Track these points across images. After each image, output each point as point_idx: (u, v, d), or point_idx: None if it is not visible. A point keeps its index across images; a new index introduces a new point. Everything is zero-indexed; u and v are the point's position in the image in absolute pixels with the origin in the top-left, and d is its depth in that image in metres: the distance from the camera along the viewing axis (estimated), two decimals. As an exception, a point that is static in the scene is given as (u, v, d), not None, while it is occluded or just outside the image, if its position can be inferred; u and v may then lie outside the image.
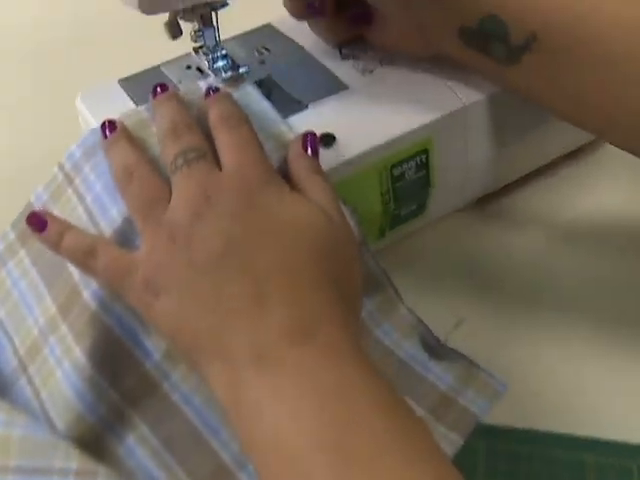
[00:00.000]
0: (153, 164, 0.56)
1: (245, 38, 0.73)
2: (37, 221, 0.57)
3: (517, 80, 0.62)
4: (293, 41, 0.74)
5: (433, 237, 0.74)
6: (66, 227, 0.55)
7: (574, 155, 0.78)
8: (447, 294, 0.68)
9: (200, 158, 0.53)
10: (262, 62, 0.71)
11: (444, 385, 0.60)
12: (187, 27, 0.66)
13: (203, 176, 0.52)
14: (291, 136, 0.61)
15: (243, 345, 0.46)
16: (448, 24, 0.62)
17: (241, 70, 0.66)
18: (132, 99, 0.69)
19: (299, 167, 0.56)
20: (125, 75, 0.69)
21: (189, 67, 0.70)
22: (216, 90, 0.61)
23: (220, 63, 0.66)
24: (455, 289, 0.68)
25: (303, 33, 0.74)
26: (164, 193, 0.52)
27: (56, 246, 0.54)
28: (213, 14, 0.63)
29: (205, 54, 0.66)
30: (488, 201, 0.76)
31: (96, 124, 0.61)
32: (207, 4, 0.60)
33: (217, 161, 0.53)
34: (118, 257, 0.52)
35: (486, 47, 0.61)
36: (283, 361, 0.45)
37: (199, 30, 0.64)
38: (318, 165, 0.56)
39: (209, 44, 0.65)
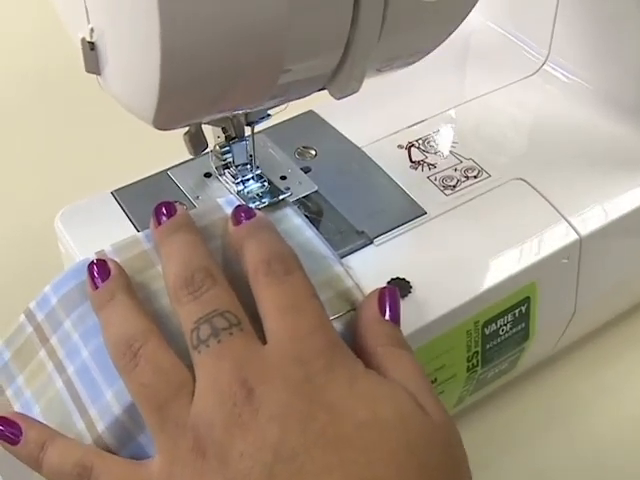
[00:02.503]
0: (163, 329, 0.40)
1: (280, 132, 0.55)
2: (4, 424, 0.41)
3: None
4: (344, 138, 0.55)
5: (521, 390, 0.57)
6: (49, 435, 0.40)
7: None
8: None
9: (234, 327, 0.38)
10: (306, 170, 0.52)
11: None
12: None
13: (240, 356, 0.37)
14: (349, 283, 0.46)
15: None
16: None
17: (282, 196, 0.49)
18: (130, 220, 0.51)
19: (375, 337, 0.41)
20: (119, 185, 0.53)
21: (208, 175, 0.51)
22: (249, 213, 0.43)
23: (253, 186, 0.48)
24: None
25: (357, 125, 0.55)
26: (185, 379, 0.38)
27: (36, 462, 0.40)
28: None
29: (233, 175, 0.47)
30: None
31: (80, 256, 0.46)
32: (243, 115, 0.42)
33: (256, 325, 0.39)
34: (123, 476, 0.38)
35: None
36: None
37: (226, 145, 0.46)
38: (401, 335, 0.42)
39: (239, 162, 0.46)
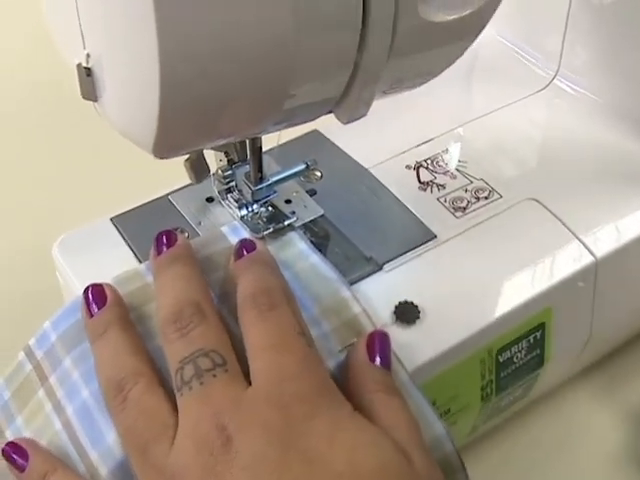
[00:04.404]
0: (161, 366, 0.39)
1: (284, 153, 0.52)
2: (15, 450, 0.40)
3: None
4: (350, 158, 0.53)
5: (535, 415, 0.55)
6: (51, 465, 0.39)
7: None
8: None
9: (218, 368, 0.37)
10: (312, 193, 0.50)
11: None
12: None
13: (222, 401, 0.36)
14: (357, 309, 0.44)
15: None
16: None
17: (287, 222, 0.47)
18: (131, 247, 0.49)
19: (364, 383, 0.39)
20: (119, 211, 0.51)
21: (210, 199, 0.50)
22: (250, 247, 0.43)
23: (257, 211, 0.46)
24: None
25: (363, 145, 0.54)
26: (168, 423, 0.37)
27: None
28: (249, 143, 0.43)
29: (236, 200, 0.46)
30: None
31: (79, 287, 0.43)
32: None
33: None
34: None
35: None
36: None
37: (229, 168, 0.44)
38: (391, 380, 0.40)
39: (242, 187, 0.45)
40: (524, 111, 0.58)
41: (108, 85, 0.37)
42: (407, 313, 0.45)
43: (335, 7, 0.34)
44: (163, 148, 0.37)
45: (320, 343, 0.41)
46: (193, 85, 0.34)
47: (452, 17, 0.37)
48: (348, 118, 0.38)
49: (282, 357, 0.37)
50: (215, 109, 0.35)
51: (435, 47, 0.38)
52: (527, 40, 0.61)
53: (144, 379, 0.38)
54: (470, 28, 0.38)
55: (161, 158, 0.38)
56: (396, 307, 0.45)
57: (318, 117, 0.40)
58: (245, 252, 0.43)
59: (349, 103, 0.38)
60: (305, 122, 0.40)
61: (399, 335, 0.44)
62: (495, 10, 0.38)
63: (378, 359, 0.40)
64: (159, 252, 0.42)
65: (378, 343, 0.41)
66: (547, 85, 0.59)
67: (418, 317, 0.45)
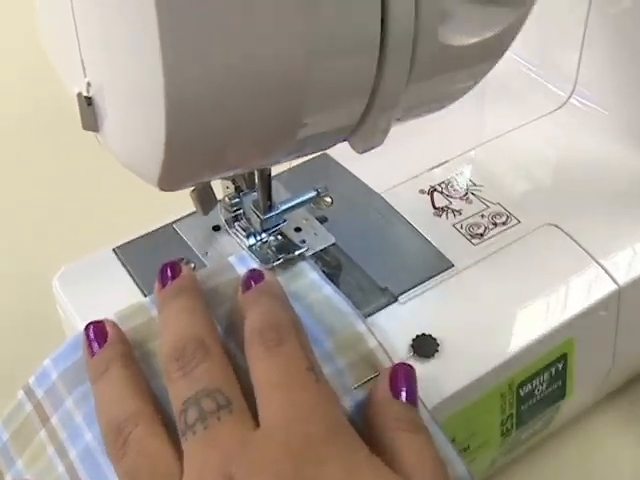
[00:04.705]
0: (168, 406, 0.37)
1: (293, 178, 0.51)
2: None
3: None
4: (362, 183, 0.52)
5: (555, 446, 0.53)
6: None
7: None
8: None
9: (223, 410, 0.35)
10: (322, 220, 0.48)
11: None
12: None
13: (227, 446, 0.34)
14: (373, 343, 0.42)
15: None
16: None
17: (297, 252, 0.45)
18: (134, 279, 0.47)
19: (385, 420, 0.37)
20: (121, 241, 0.49)
21: (217, 228, 0.48)
22: (259, 279, 0.41)
23: (265, 240, 0.44)
24: None
25: (374, 169, 0.52)
26: (171, 470, 0.35)
27: None
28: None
29: (244, 228, 0.44)
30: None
31: (80, 322, 0.42)
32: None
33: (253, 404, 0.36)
34: None
35: None
36: None
37: (237, 196, 0.42)
38: (417, 416, 0.37)
39: (250, 215, 0.43)
40: (540, 131, 0.56)
41: (110, 115, 0.35)
42: (425, 346, 0.43)
43: (351, 32, 0.32)
44: (169, 181, 0.35)
45: (334, 380, 0.39)
46: (201, 117, 0.32)
47: (472, 41, 0.35)
48: (364, 147, 0.36)
49: (291, 396, 0.35)
50: (224, 141, 0.33)
51: (455, 71, 0.36)
52: (542, 59, 0.59)
53: (146, 420, 0.36)
54: (490, 52, 0.36)
55: (167, 191, 0.36)
56: (413, 340, 0.43)
57: (332, 146, 0.38)
58: (253, 283, 0.41)
59: (365, 132, 0.36)
60: (318, 152, 0.38)
61: (417, 370, 0.41)
62: (516, 34, 0.36)
63: (404, 394, 0.38)
64: (163, 285, 0.41)
65: (403, 377, 0.38)
66: (563, 104, 0.57)
67: (437, 350, 0.43)
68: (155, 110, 0.31)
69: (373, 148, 0.37)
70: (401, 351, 0.43)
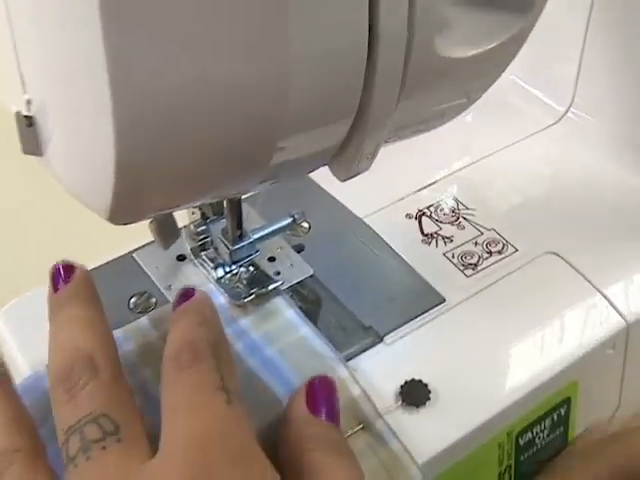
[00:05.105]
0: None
1: (266, 201, 0.46)
2: None
3: None
4: (342, 206, 0.47)
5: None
6: None
7: None
8: None
9: (109, 438, 0.30)
10: (299, 249, 0.43)
11: None
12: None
13: (114, 477, 0.30)
14: (356, 391, 0.38)
15: None
16: None
17: (272, 286, 0.41)
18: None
19: (302, 441, 0.33)
20: None
21: (182, 257, 0.43)
22: (187, 297, 0.37)
23: (236, 272, 0.39)
24: None
25: (356, 190, 0.46)
26: None
27: None
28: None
29: (211, 259, 0.39)
30: None
31: (24, 363, 0.40)
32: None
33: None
34: None
35: None
36: None
37: (203, 223, 0.37)
38: (338, 435, 0.34)
39: (219, 244, 0.38)
40: (535, 148, 0.52)
41: (54, 138, 0.30)
42: (415, 394, 0.39)
43: (333, 40, 0.27)
44: (121, 214, 0.31)
45: None
46: (157, 140, 0.27)
47: (472, 52, 0.30)
48: (347, 174, 0.32)
49: (194, 418, 0.31)
50: (186, 169, 0.29)
51: (452, 87, 0.31)
52: (536, 72, 0.54)
53: (22, 456, 0.31)
54: (493, 65, 0.31)
55: (120, 224, 0.31)
56: (402, 387, 0.39)
57: (310, 173, 0.33)
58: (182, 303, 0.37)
59: (349, 156, 0.31)
60: (291, 180, 0.34)
61: (407, 420, 0.38)
62: (523, 43, 0.31)
63: (323, 410, 0.34)
64: (55, 289, 0.36)
65: (323, 391, 0.35)
66: (560, 119, 0.52)
67: (428, 398, 0.38)
68: (103, 131, 0.27)
69: (358, 174, 0.32)
70: (388, 399, 0.38)
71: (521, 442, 0.42)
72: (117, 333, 0.39)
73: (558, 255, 0.45)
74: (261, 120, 0.28)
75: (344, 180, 0.32)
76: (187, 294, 0.37)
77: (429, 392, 0.39)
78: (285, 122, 0.29)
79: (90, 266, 0.44)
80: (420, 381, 0.39)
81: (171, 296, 0.42)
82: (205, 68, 0.25)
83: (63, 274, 0.36)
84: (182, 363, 0.33)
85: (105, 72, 0.25)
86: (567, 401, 0.43)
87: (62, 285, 0.36)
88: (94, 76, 0.26)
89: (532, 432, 0.42)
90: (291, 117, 0.29)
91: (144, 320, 0.40)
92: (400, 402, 0.39)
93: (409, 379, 0.39)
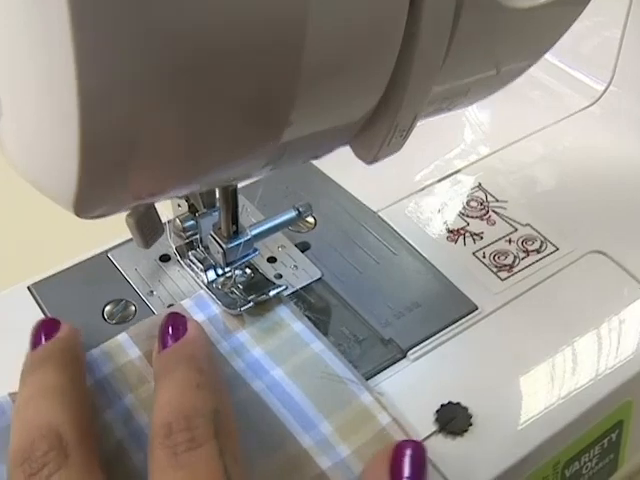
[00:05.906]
0: None
1: (266, 192, 0.40)
2: None
3: None
4: (353, 198, 0.42)
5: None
6: None
7: None
8: None
9: (54, 465, 0.28)
10: (304, 248, 0.37)
11: None
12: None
13: None
14: (385, 420, 0.33)
15: None
16: None
17: (272, 292, 0.36)
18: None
19: None
20: (39, 277, 0.39)
21: (166, 258, 0.37)
22: (177, 333, 0.32)
23: (230, 275, 0.33)
24: None
25: (368, 181, 0.41)
26: None
27: None
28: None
29: (200, 260, 0.35)
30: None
31: None
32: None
33: None
34: None
35: None
36: None
37: (191, 217, 0.31)
38: None
39: (209, 242, 0.32)
40: (573, 131, 0.46)
41: (8, 112, 0.24)
42: (455, 420, 0.33)
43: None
44: (90, 205, 0.24)
45: (337, 475, 0.30)
46: (129, 107, 0.21)
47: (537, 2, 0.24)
48: (373, 154, 0.25)
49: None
50: (173, 140, 0.22)
51: (510, 45, 0.25)
52: (573, 50, 0.49)
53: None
54: (561, 16, 0.25)
55: (88, 218, 0.25)
56: (438, 412, 0.33)
57: (326, 154, 0.26)
58: (169, 340, 0.32)
59: (377, 132, 0.24)
60: (305, 162, 0.27)
61: (444, 450, 0.32)
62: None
63: (409, 472, 0.29)
64: (34, 346, 0.33)
65: (409, 459, 0.29)
66: (598, 99, 0.47)
67: (471, 424, 0.33)
68: (65, 103, 0.21)
69: (387, 156, 0.25)
70: (421, 427, 0.33)
71: (567, 474, 0.36)
72: (93, 353, 0.34)
73: (605, 254, 0.40)
74: (278, 65, 0.22)
75: (370, 163, 0.26)
76: (175, 324, 0.32)
77: (470, 417, 0.33)
78: (297, 86, 0.22)
79: (57, 268, 0.38)
80: (458, 404, 0.34)
81: (153, 304, 0.37)
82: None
83: (44, 330, 0.33)
84: (177, 445, 0.28)
85: (70, 45, 0.19)
86: (619, 425, 0.38)
87: (41, 343, 0.33)
88: (53, 46, 0.20)
89: (580, 462, 0.37)
90: (306, 73, 0.22)
91: (123, 336, 0.34)
92: (437, 429, 0.33)
93: (445, 402, 0.33)
